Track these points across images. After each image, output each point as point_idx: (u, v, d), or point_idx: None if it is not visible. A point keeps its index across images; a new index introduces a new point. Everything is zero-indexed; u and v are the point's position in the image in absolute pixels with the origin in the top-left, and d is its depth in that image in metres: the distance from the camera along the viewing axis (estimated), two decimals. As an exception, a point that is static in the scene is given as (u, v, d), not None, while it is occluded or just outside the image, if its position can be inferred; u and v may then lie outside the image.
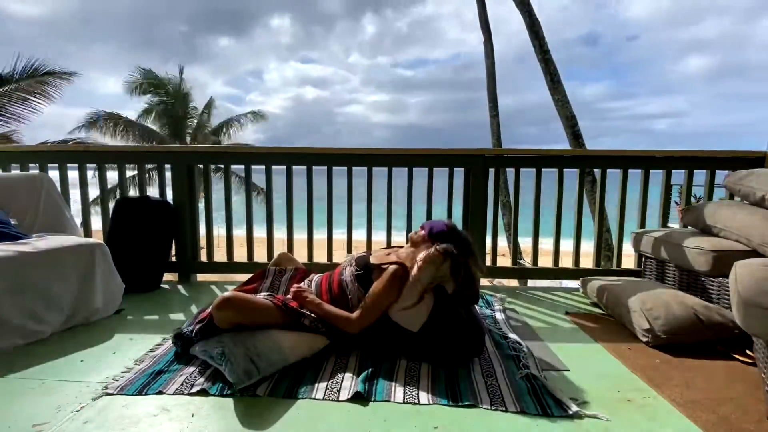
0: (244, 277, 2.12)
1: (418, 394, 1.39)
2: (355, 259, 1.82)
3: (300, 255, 2.58)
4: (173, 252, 2.88)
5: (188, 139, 13.75)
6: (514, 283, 6.95)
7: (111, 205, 2.88)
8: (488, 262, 2.87)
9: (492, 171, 2.83)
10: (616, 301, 2.09)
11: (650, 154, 2.78)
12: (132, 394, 1.37)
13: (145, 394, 1.37)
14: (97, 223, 2.96)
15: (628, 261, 2.96)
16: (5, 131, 7.52)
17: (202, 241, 3.00)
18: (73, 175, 2.88)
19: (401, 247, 1.93)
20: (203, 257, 2.98)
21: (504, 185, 8.25)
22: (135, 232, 2.67)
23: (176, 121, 13.32)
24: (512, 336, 1.86)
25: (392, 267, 1.68)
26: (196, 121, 14.07)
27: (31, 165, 2.90)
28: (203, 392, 1.39)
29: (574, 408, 1.30)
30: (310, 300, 1.71)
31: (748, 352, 1.68)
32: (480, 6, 9.53)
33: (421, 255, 1.68)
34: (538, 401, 1.34)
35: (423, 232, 1.79)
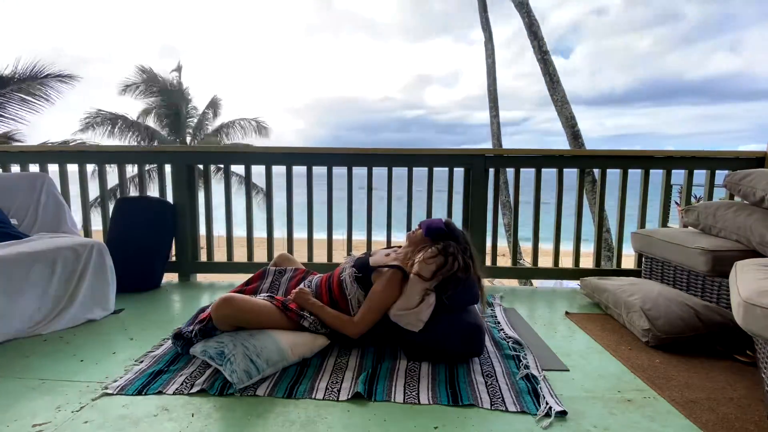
0: (244, 277, 2.12)
1: (418, 394, 1.39)
2: (355, 260, 1.82)
3: (300, 255, 2.59)
4: (173, 252, 2.88)
5: (188, 138, 13.72)
6: (514, 283, 6.96)
7: (111, 205, 2.88)
8: (488, 262, 2.87)
9: (492, 171, 2.84)
10: (616, 301, 2.09)
11: (650, 154, 2.78)
12: (132, 394, 1.37)
13: (145, 394, 1.37)
14: (97, 223, 2.96)
15: (628, 261, 2.96)
16: (4, 131, 7.52)
17: (202, 241, 3.00)
18: (73, 174, 2.88)
19: (400, 246, 1.93)
20: (203, 257, 2.99)
21: (504, 185, 8.26)
22: (135, 232, 2.67)
23: (176, 120, 13.28)
24: (512, 335, 1.86)
25: (391, 270, 1.68)
26: (195, 120, 14.01)
27: (31, 164, 2.90)
28: (203, 392, 1.39)
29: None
30: (312, 303, 1.70)
31: (748, 352, 1.68)
32: (481, 6, 9.55)
33: (420, 255, 1.68)
34: (538, 401, 1.34)
35: (421, 230, 1.79)
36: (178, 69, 13.31)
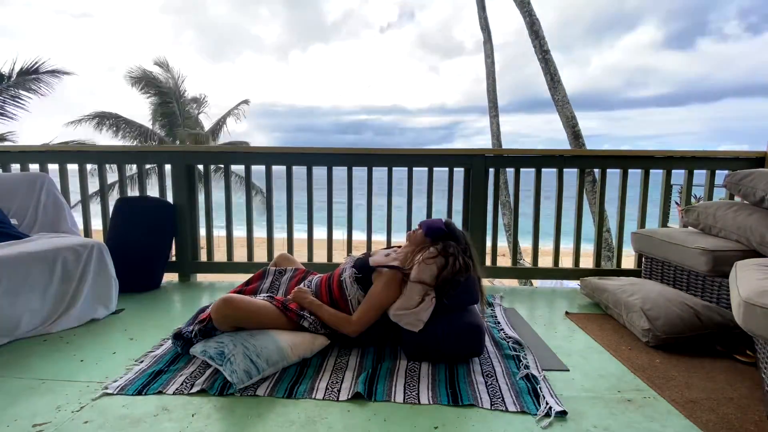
0: (244, 277, 2.12)
1: (418, 394, 1.39)
2: (355, 260, 1.82)
3: (300, 255, 2.58)
4: (173, 252, 2.88)
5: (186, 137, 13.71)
6: (514, 283, 6.96)
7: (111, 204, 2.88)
8: (488, 262, 2.87)
9: (492, 171, 2.84)
10: (616, 301, 2.09)
11: (650, 154, 2.78)
12: (132, 394, 1.37)
13: (145, 394, 1.37)
14: (97, 222, 2.96)
15: (628, 261, 2.96)
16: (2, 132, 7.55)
17: (202, 241, 3.00)
18: (73, 174, 2.88)
19: (400, 246, 1.93)
20: (203, 257, 2.98)
21: (504, 185, 8.26)
22: (135, 232, 2.67)
23: (173, 120, 13.27)
24: (512, 335, 1.86)
25: (390, 270, 1.68)
26: (191, 120, 14.02)
27: (31, 164, 2.90)
28: (203, 392, 1.39)
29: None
30: (310, 301, 1.71)
31: (748, 352, 1.68)
32: (480, 7, 9.55)
33: (419, 256, 1.68)
34: (538, 401, 1.34)
35: (421, 230, 1.79)
36: (168, 68, 13.29)
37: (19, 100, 7.45)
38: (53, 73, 7.65)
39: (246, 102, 14.33)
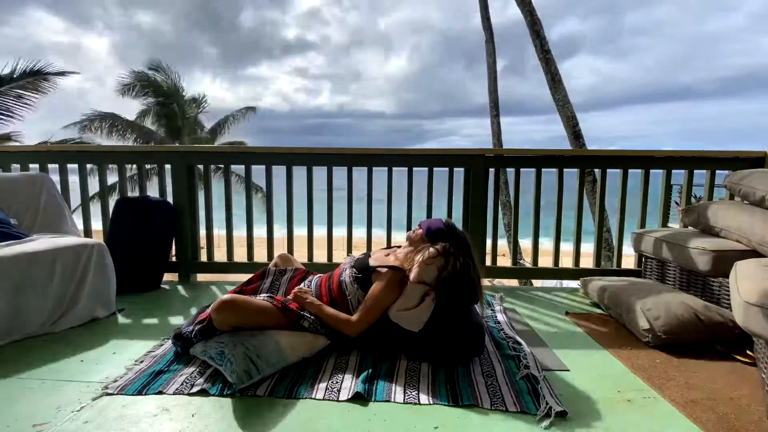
0: (244, 277, 2.12)
1: (418, 394, 1.39)
2: (355, 260, 1.82)
3: (300, 255, 2.58)
4: (173, 252, 2.88)
5: (186, 139, 13.72)
6: (514, 283, 6.96)
7: (111, 205, 2.88)
8: (488, 262, 2.87)
9: (492, 171, 2.84)
10: (616, 301, 2.09)
11: (650, 154, 2.78)
12: (132, 394, 1.37)
13: (145, 394, 1.37)
14: (97, 223, 2.96)
15: (628, 261, 2.96)
16: (4, 132, 7.56)
17: (202, 241, 3.00)
18: (73, 174, 2.88)
19: (400, 246, 1.93)
20: (203, 257, 2.98)
21: (504, 185, 8.25)
22: (135, 232, 2.67)
23: (172, 120, 13.25)
24: (512, 335, 1.86)
25: (391, 270, 1.68)
26: (191, 119, 14.01)
27: (31, 165, 2.90)
28: (203, 392, 1.39)
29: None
30: (310, 302, 1.70)
31: (748, 352, 1.68)
32: (482, 6, 9.55)
33: (419, 256, 1.68)
34: (538, 401, 1.34)
35: (421, 230, 1.79)
36: (167, 70, 13.27)
37: (21, 99, 7.47)
38: (58, 74, 7.67)
39: (253, 109, 14.36)
